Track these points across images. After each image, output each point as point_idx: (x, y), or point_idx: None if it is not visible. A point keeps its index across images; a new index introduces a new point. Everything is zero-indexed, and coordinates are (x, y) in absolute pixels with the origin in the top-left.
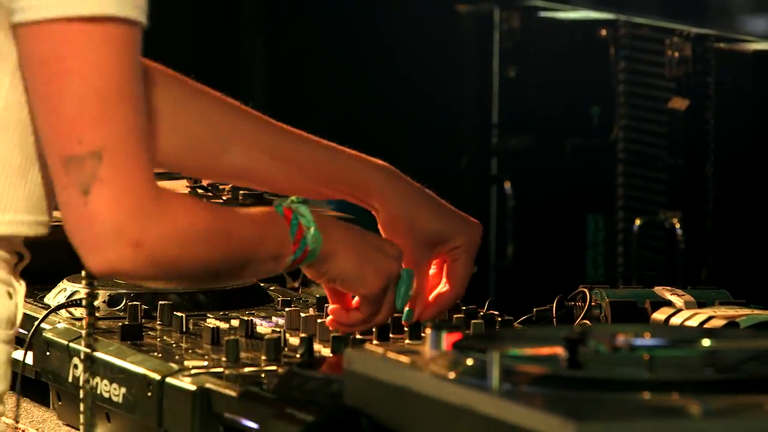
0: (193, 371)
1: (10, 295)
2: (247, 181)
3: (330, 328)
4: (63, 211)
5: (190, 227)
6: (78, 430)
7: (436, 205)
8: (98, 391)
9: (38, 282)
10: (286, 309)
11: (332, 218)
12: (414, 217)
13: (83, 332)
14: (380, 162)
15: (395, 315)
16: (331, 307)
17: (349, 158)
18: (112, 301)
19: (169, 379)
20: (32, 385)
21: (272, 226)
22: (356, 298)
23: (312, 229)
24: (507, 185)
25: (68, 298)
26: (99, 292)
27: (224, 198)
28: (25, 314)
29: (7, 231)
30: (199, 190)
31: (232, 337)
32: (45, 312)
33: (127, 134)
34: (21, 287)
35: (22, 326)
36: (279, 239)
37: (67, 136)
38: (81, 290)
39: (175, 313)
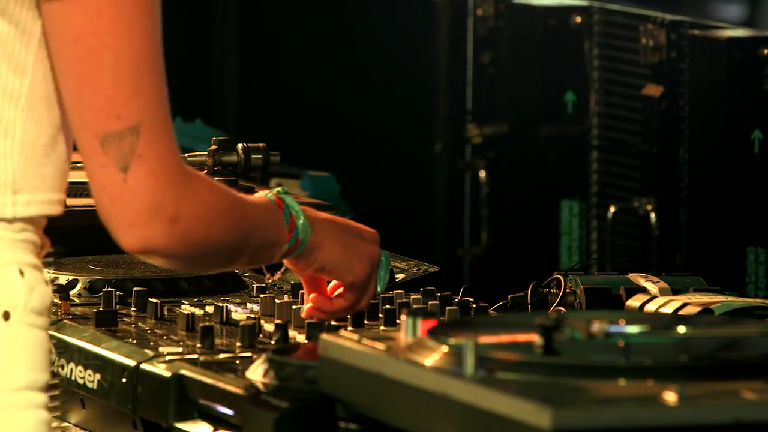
0: (168, 358)
1: (46, 282)
2: None
3: (305, 317)
4: (97, 192)
5: (215, 204)
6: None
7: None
8: (73, 378)
9: None
10: (261, 295)
11: (313, 209)
12: None
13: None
14: None
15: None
16: (311, 296)
17: None
18: (92, 288)
19: (143, 366)
20: None
21: (271, 214)
22: (331, 285)
23: (302, 219)
24: (481, 172)
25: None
26: (78, 278)
27: None
28: None
29: (37, 211)
30: None
31: (207, 324)
32: None
33: (159, 106)
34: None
35: None
36: (278, 226)
37: (106, 112)
38: (60, 276)
39: (149, 299)
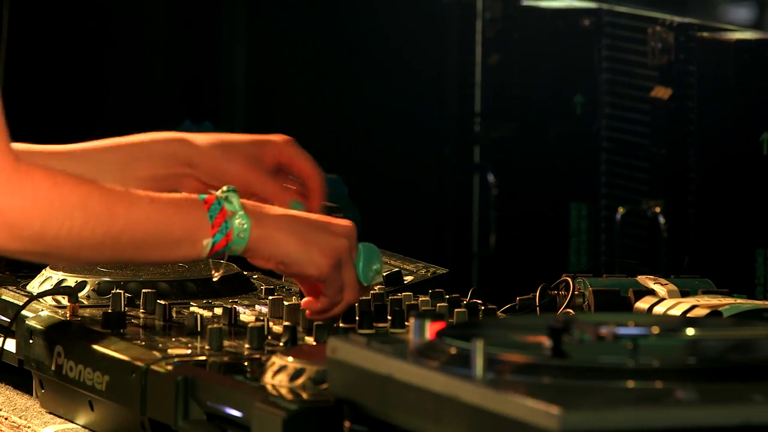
0: (177, 359)
1: None
2: None
3: (309, 318)
4: None
5: (57, 200)
6: (62, 418)
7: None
8: (81, 379)
9: (21, 270)
10: (270, 297)
11: (271, 207)
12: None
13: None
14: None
15: (376, 303)
16: (304, 299)
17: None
18: (100, 290)
19: (152, 367)
20: (15, 374)
21: (185, 209)
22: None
23: (238, 214)
24: (490, 174)
25: (54, 285)
26: (87, 280)
27: None
28: (7, 302)
29: None
30: None
31: (215, 326)
32: (27, 299)
33: None
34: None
35: (4, 314)
36: (193, 222)
37: None
38: (68, 278)
39: (158, 301)
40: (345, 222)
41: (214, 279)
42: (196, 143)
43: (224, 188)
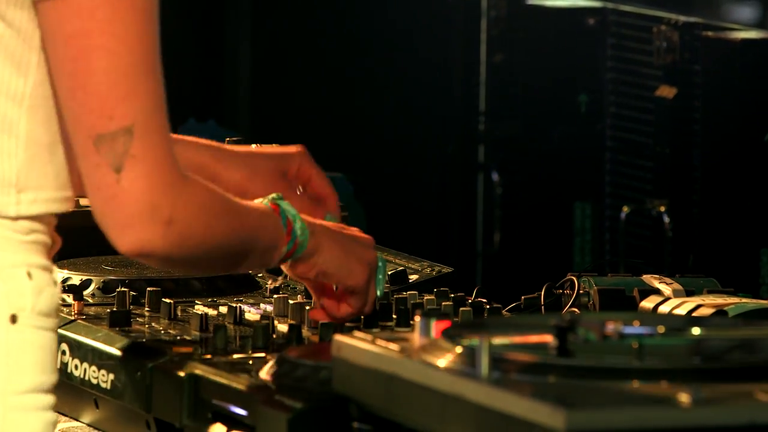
0: (182, 358)
1: (55, 283)
2: None
3: (312, 318)
4: (92, 193)
5: (212, 207)
6: (67, 416)
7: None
8: (86, 378)
9: None
10: (275, 296)
11: (307, 216)
12: None
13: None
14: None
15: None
16: (322, 300)
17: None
18: (105, 288)
19: (157, 366)
20: None
21: (267, 216)
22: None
23: (299, 222)
24: (494, 173)
25: (60, 283)
26: (92, 278)
27: None
28: None
29: (43, 209)
30: None
31: (220, 324)
32: None
33: (155, 108)
34: (58, 275)
35: None
36: (274, 229)
37: (99, 113)
38: (73, 276)
39: (163, 299)
40: (366, 235)
41: (275, 285)
42: (223, 162)
43: (273, 196)
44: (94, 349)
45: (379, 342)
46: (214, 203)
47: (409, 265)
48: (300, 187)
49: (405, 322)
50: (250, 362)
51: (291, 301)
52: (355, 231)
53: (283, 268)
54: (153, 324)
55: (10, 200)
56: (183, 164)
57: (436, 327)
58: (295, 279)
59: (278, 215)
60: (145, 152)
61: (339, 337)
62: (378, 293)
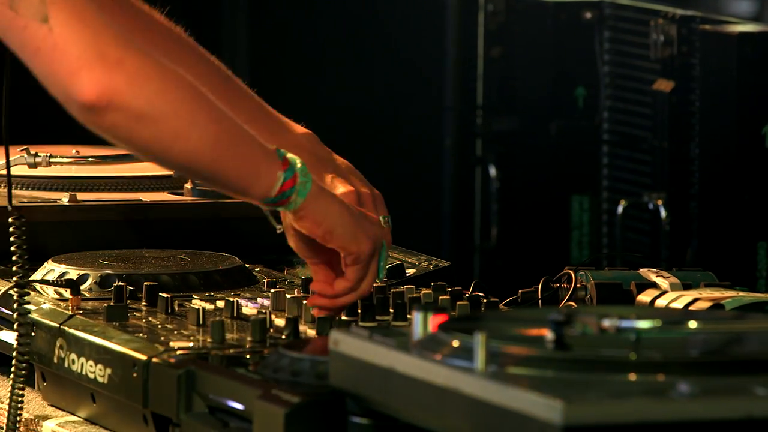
0: (179, 352)
1: None
2: None
3: (310, 306)
4: (33, 59)
5: (165, 70)
6: (64, 410)
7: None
8: (83, 372)
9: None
10: (272, 290)
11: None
12: None
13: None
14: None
15: (378, 296)
16: (314, 282)
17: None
18: (102, 283)
19: (154, 360)
20: None
21: (254, 138)
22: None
23: (299, 166)
24: (491, 167)
25: (57, 278)
26: (89, 273)
27: None
28: (8, 293)
29: None
30: None
31: (217, 319)
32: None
33: None
34: (55, 269)
35: (5, 305)
36: (270, 156)
37: None
38: (70, 271)
39: (160, 294)
40: (374, 215)
41: (279, 231)
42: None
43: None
44: (91, 344)
45: (376, 336)
46: (169, 71)
47: (407, 259)
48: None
49: (402, 316)
50: (248, 357)
51: (288, 296)
52: (364, 210)
53: (291, 221)
54: (150, 318)
55: None
56: None
57: (433, 321)
58: (303, 232)
59: (275, 150)
60: (59, 6)
61: (336, 332)
62: (380, 275)
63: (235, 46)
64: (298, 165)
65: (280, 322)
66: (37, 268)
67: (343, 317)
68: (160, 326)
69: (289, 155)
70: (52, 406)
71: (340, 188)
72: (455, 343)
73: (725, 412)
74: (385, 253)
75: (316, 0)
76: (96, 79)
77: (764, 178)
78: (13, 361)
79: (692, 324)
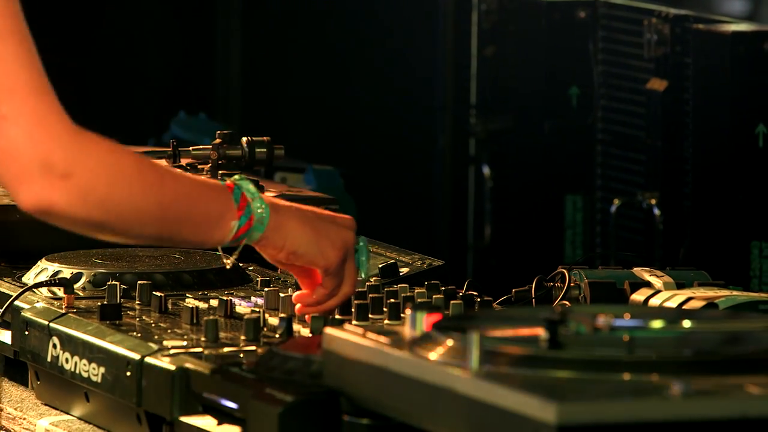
0: (172, 351)
1: None
2: None
3: (298, 315)
4: None
5: (117, 165)
6: (58, 409)
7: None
8: (77, 371)
9: (17, 261)
10: (265, 289)
11: (280, 198)
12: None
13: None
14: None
15: (372, 295)
16: (296, 294)
17: None
18: (96, 282)
19: (148, 359)
20: (10, 365)
21: (215, 190)
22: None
23: (257, 199)
24: (485, 166)
25: (50, 277)
26: (83, 272)
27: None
28: (2, 293)
29: None
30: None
31: (211, 317)
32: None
33: (20, 69)
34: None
35: None
36: (222, 202)
37: None
38: (64, 269)
39: (154, 293)
40: (346, 216)
41: (228, 266)
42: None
43: (236, 176)
44: (84, 343)
45: (370, 335)
46: (121, 162)
47: (400, 258)
48: None
49: (396, 315)
50: (241, 355)
51: (282, 295)
52: (332, 213)
53: (260, 250)
54: (144, 317)
55: None
56: None
57: (427, 320)
58: (274, 263)
59: (231, 191)
60: (15, 111)
61: (330, 330)
62: (362, 275)
63: (228, 46)
64: (253, 202)
65: (273, 320)
66: (30, 267)
67: (337, 316)
68: (153, 325)
69: (244, 185)
70: (46, 405)
71: None
72: (449, 343)
73: (719, 411)
74: (366, 248)
75: (310, 1)
76: (35, 193)
77: (757, 178)
78: None
79: (686, 323)
